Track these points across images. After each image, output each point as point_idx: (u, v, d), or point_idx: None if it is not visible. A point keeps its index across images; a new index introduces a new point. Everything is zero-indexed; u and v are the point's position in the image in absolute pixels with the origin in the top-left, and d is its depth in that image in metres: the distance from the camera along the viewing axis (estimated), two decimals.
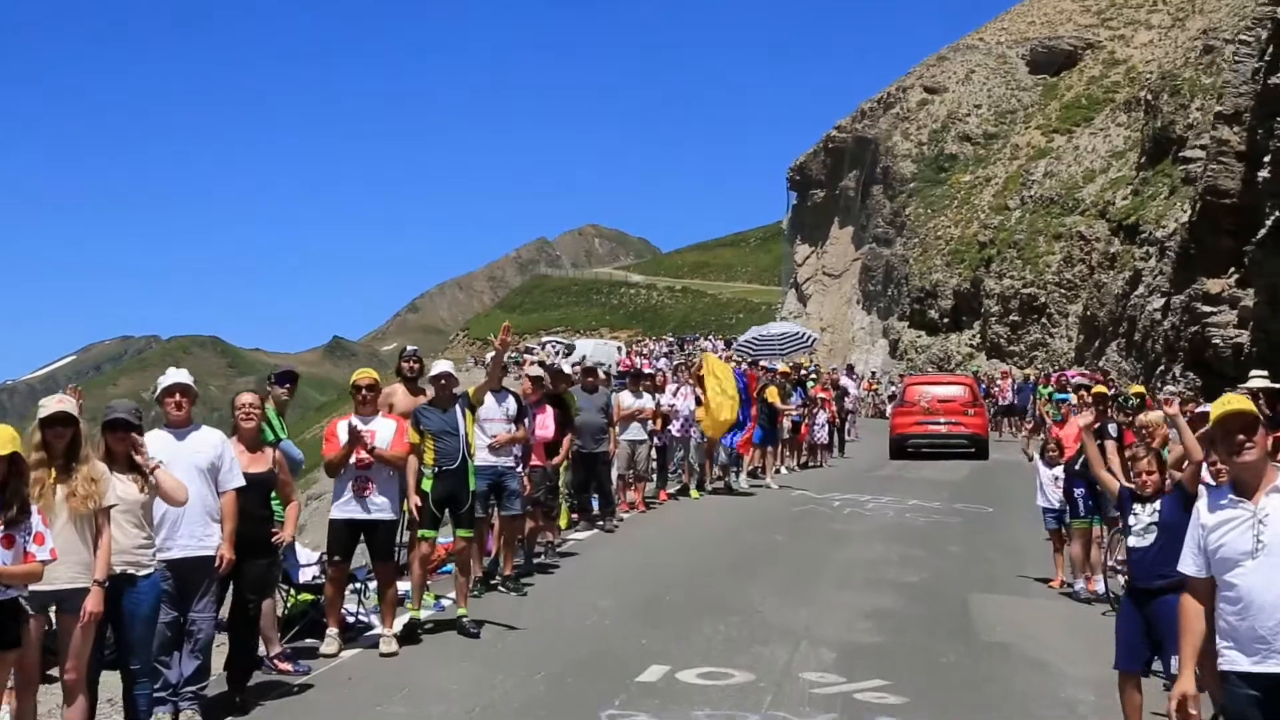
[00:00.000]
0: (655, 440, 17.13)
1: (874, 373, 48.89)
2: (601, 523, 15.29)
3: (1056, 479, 12.32)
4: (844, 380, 30.46)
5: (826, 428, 25.62)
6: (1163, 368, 35.85)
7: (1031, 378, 37.61)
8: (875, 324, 61.50)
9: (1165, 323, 36.47)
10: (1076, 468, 11.50)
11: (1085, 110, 56.84)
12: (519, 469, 11.16)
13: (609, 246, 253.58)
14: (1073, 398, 15.61)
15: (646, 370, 20.70)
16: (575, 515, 15.13)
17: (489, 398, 10.30)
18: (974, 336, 52.14)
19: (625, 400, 16.23)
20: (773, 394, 20.03)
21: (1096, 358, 42.39)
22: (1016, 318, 48.68)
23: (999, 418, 36.50)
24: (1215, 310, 24.24)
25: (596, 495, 15.21)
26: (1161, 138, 43.83)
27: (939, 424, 27.03)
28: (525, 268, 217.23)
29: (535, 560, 12.38)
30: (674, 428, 17.78)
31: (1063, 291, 47.16)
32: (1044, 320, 47.68)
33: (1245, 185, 24.92)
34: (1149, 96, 45.67)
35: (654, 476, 17.90)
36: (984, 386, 43.39)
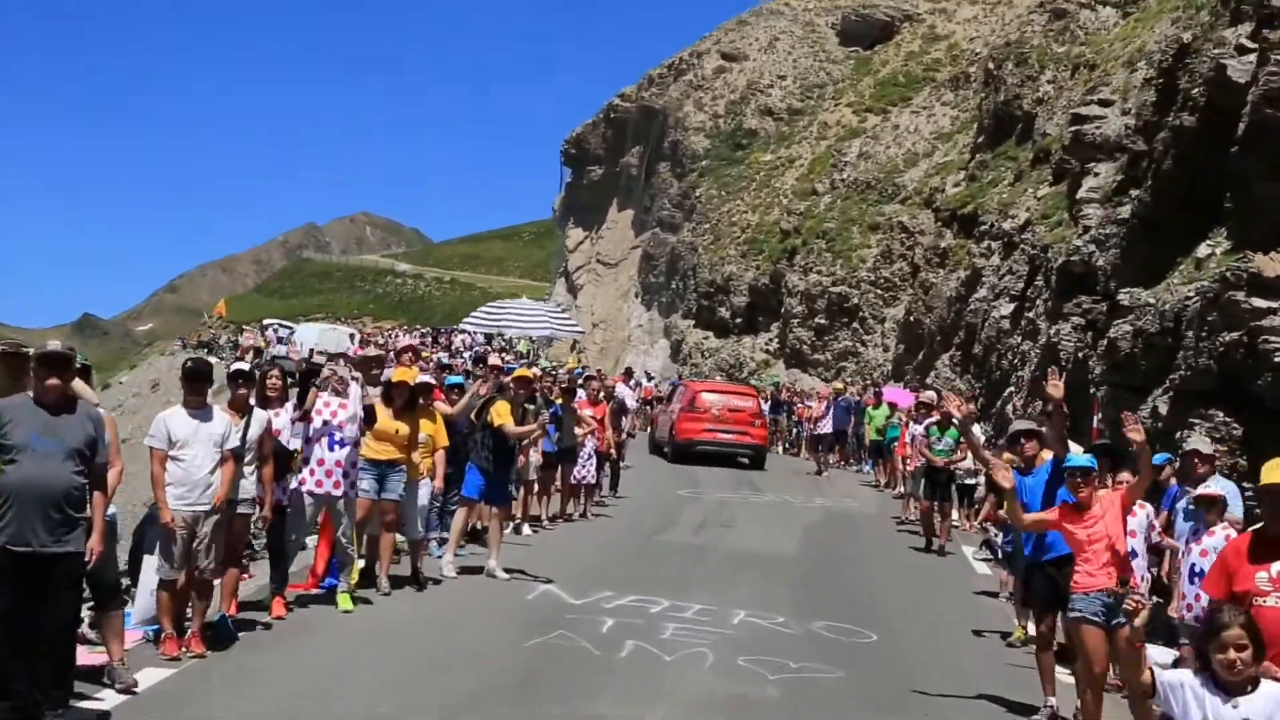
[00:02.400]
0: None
1: (651, 377, 41.28)
2: None
3: None
4: (621, 391, 22.40)
5: (594, 460, 17.46)
6: (1014, 390, 29.42)
7: (854, 395, 30.54)
8: (656, 321, 54.30)
9: (1017, 335, 30.11)
10: None
11: (903, 88, 51.14)
12: None
13: (380, 235, 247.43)
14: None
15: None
16: None
17: None
18: (771, 341, 45.39)
19: None
20: (501, 413, 11.64)
21: (921, 372, 35.92)
22: (823, 320, 42.12)
23: (818, 450, 29.24)
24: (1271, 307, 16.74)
25: None
26: (1004, 115, 37.95)
27: (728, 433, 27.75)
28: (292, 253, 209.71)
29: None
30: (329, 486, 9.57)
31: (879, 292, 40.78)
32: (856, 325, 41.13)
33: None
34: (990, 67, 39.71)
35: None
36: (784, 403, 36.53)
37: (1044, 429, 10.75)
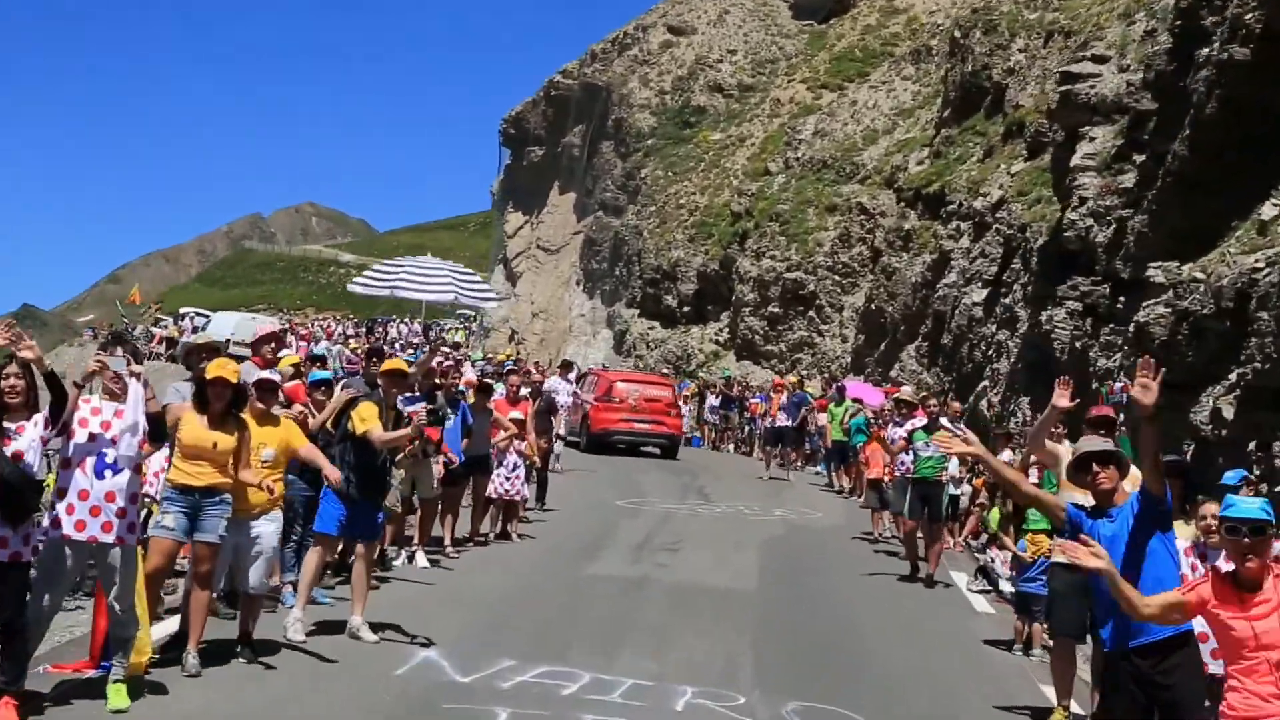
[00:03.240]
0: None
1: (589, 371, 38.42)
2: None
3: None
4: (552, 383, 19.51)
5: (521, 470, 14.56)
6: (989, 384, 27.04)
7: (806, 390, 27.91)
8: (599, 310, 51.56)
9: (992, 323, 27.72)
10: None
11: (860, 64, 48.70)
12: None
13: (326, 226, 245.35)
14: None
15: None
16: None
17: None
18: (721, 331, 42.73)
19: None
20: (365, 417, 8.71)
21: (884, 365, 33.46)
22: (777, 309, 39.53)
23: (768, 447, 26.65)
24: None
25: None
26: (972, 86, 35.48)
27: (644, 422, 27.74)
28: (236, 243, 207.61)
29: None
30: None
31: (837, 278, 38.23)
32: (812, 314, 38.56)
33: None
34: (957, 35, 37.19)
35: None
36: (735, 398, 33.90)
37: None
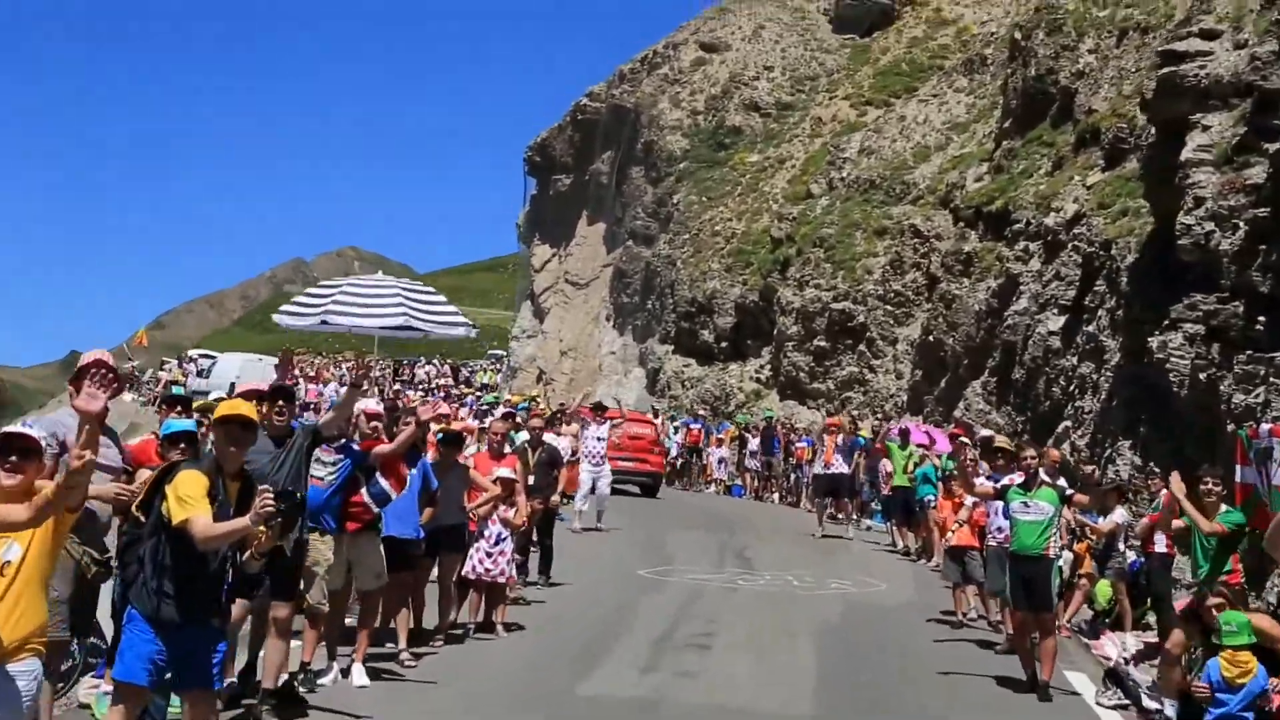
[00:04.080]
0: None
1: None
2: None
3: None
4: (557, 439, 16.29)
5: (507, 545, 11.43)
6: (1071, 424, 23.88)
7: (871, 433, 24.54)
8: (630, 348, 48.54)
9: (1072, 354, 24.59)
10: None
11: (907, 78, 45.65)
12: None
13: (367, 269, 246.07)
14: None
15: None
16: None
17: None
18: (762, 368, 39.54)
19: None
20: (187, 496, 5.62)
21: (946, 404, 30.22)
22: (823, 343, 36.34)
23: (818, 498, 23.47)
24: None
25: None
26: (1037, 93, 32.35)
27: (628, 460, 27.12)
28: (279, 287, 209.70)
29: None
30: None
31: (889, 308, 35.00)
32: (862, 348, 35.35)
33: None
34: (1018, 37, 34.06)
35: None
36: (779, 441, 30.78)
37: None
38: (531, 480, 13.99)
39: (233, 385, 32.18)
